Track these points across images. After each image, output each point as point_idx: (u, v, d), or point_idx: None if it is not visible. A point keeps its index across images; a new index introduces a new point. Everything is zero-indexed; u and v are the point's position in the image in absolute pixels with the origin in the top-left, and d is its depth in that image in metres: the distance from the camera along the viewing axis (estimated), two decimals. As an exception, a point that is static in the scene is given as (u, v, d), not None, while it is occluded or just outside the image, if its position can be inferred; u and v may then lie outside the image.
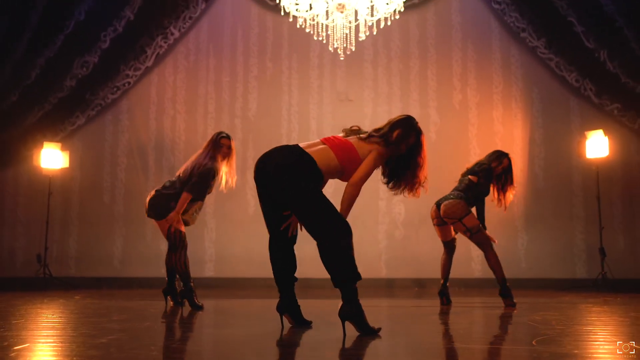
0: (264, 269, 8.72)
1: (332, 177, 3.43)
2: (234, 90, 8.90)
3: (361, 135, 3.50)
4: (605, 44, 8.11)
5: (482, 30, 8.73)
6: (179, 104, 8.94)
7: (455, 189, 5.28)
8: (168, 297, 5.09)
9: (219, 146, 5.09)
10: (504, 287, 5.00)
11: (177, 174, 5.16)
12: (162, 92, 8.98)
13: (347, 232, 3.18)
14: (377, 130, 3.50)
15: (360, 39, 6.68)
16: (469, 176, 5.26)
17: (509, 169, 5.31)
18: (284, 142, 8.73)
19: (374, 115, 8.69)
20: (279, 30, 8.92)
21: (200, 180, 4.92)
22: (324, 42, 6.73)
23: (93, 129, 8.93)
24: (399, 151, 3.48)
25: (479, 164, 5.31)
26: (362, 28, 6.60)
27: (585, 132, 7.96)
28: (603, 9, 8.12)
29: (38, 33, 8.70)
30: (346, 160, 3.36)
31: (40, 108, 8.75)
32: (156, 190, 5.16)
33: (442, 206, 5.14)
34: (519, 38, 8.51)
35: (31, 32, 8.71)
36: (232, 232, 8.62)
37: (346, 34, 6.50)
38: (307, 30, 6.64)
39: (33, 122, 8.74)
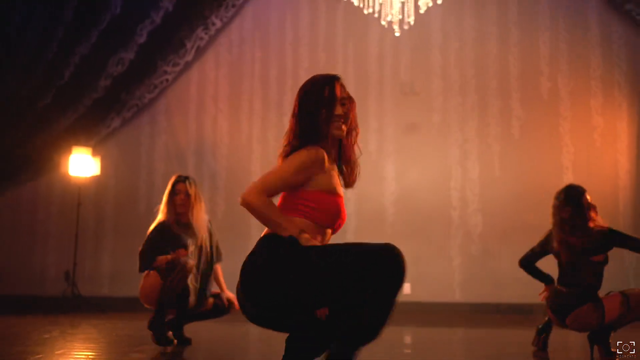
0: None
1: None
2: (283, 85, 8.01)
3: None
4: None
5: (575, 2, 7.61)
6: (221, 102, 8.09)
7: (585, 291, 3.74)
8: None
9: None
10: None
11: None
12: (202, 89, 8.18)
13: None
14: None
15: (420, 12, 5.48)
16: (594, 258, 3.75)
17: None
18: (339, 143, 7.67)
19: (444, 109, 7.62)
20: (332, 15, 7.99)
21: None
22: (377, 16, 5.55)
23: (129, 132, 8.22)
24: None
25: (599, 236, 3.77)
26: (423, -1, 5.39)
27: None
28: None
29: (72, 28, 8.15)
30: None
31: (74, 110, 8.16)
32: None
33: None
34: (623, 10, 7.38)
35: (65, 28, 8.14)
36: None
37: (402, 3, 5.29)
38: (355, 3, 5.47)
39: (66, 126, 8.12)
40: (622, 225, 6.93)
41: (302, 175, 2.27)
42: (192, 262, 3.97)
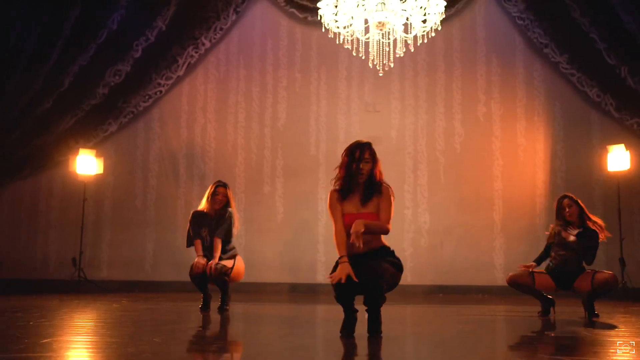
0: (292, 275, 9.04)
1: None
2: (264, 100, 9.11)
3: None
4: (626, 61, 8.33)
5: (506, 45, 8.95)
6: (210, 113, 9.15)
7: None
8: None
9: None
10: None
11: None
12: (193, 101, 9.18)
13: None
14: None
15: (398, 56, 6.89)
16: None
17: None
18: (312, 151, 8.98)
19: (401, 126, 8.93)
20: (307, 42, 9.14)
21: None
22: (363, 58, 6.94)
23: (125, 136, 9.12)
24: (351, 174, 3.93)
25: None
26: (398, 44, 6.83)
27: (607, 146, 8.21)
28: (624, 27, 8.37)
29: (71, 42, 8.91)
30: None
31: (74, 115, 8.95)
32: None
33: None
34: (542, 54, 8.73)
35: (64, 41, 8.91)
36: (260, 238, 8.82)
37: (379, 50, 6.73)
38: (346, 46, 6.86)
39: (66, 129, 8.94)
40: (538, 225, 8.60)
41: (335, 210, 3.95)
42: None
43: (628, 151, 8.03)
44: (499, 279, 8.56)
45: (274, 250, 8.72)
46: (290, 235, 8.88)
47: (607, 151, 8.19)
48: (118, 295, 7.38)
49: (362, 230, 3.73)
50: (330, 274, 3.79)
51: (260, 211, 8.88)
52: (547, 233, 5.68)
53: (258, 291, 8.40)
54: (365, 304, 3.78)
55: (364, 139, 4.07)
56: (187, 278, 8.54)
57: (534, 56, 8.87)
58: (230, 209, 5.88)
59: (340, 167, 4.02)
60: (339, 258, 3.77)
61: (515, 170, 8.75)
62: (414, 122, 8.93)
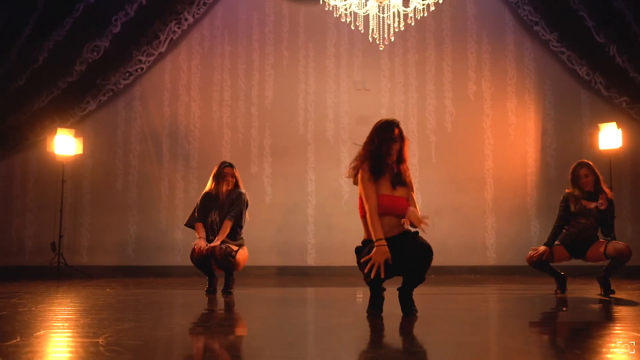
0: (281, 257, 8.83)
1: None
2: (250, 78, 8.83)
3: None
4: (614, 39, 8.35)
5: (496, 22, 8.87)
6: (194, 91, 8.84)
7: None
8: None
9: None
10: None
11: None
12: (176, 78, 8.85)
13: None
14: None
15: (396, 30, 6.71)
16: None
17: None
18: (301, 131, 8.77)
19: (391, 104, 8.78)
20: (295, 18, 8.89)
21: None
22: (363, 32, 6.74)
23: (104, 115, 8.76)
24: (380, 153, 3.71)
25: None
26: (395, 19, 6.65)
27: (598, 124, 8.21)
28: (613, 4, 8.38)
29: (46, 16, 8.50)
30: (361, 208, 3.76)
31: (49, 93, 8.56)
32: None
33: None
34: (532, 31, 8.69)
35: (38, 15, 8.48)
36: (249, 220, 8.56)
37: (378, 24, 6.55)
38: (344, 19, 6.64)
39: (42, 107, 8.54)
40: (529, 203, 8.62)
41: (369, 188, 3.66)
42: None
43: (620, 129, 8.03)
44: (491, 259, 8.55)
45: (263, 232, 8.49)
46: (280, 217, 8.67)
47: (598, 129, 8.19)
48: (103, 281, 7.05)
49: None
50: (361, 257, 3.59)
51: (248, 192, 8.62)
52: (565, 194, 5.50)
53: (246, 274, 8.16)
54: (405, 283, 3.61)
55: (393, 118, 3.92)
56: (174, 262, 8.40)
57: (525, 34, 8.81)
58: (242, 191, 5.62)
59: (367, 146, 3.77)
60: (376, 241, 3.53)
61: (506, 148, 8.70)
62: (404, 101, 8.79)
